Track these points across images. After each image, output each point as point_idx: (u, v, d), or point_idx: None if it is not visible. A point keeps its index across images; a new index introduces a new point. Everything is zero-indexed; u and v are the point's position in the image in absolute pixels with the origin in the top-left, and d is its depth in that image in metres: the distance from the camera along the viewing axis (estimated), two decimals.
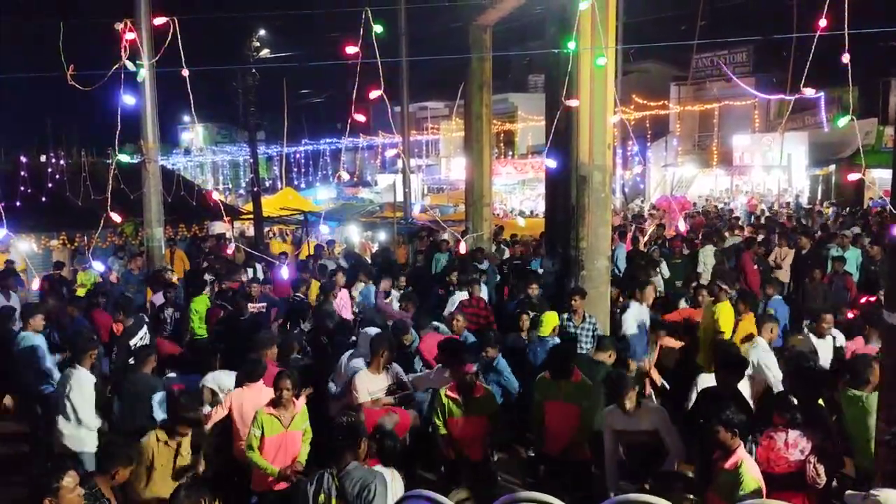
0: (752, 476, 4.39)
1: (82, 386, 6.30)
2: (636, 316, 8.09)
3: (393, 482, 5.09)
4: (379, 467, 5.16)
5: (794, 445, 4.78)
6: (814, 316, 7.65)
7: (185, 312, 9.54)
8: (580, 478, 5.80)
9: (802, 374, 5.68)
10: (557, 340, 7.60)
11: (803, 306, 10.23)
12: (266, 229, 21.60)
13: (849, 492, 3.81)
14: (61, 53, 4.87)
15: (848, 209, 22.49)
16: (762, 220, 19.62)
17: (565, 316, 7.93)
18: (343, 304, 9.85)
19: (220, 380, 6.50)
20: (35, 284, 7.75)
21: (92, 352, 6.53)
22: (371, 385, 6.28)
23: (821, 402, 5.58)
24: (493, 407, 6.02)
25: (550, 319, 7.80)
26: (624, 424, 5.36)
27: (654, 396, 7.13)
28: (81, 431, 6.28)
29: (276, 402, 5.45)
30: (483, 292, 10.06)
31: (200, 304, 9.51)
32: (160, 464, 5.14)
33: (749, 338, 7.31)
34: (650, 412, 5.31)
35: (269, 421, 5.40)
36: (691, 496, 4.75)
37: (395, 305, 9.62)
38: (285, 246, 19.37)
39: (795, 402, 5.08)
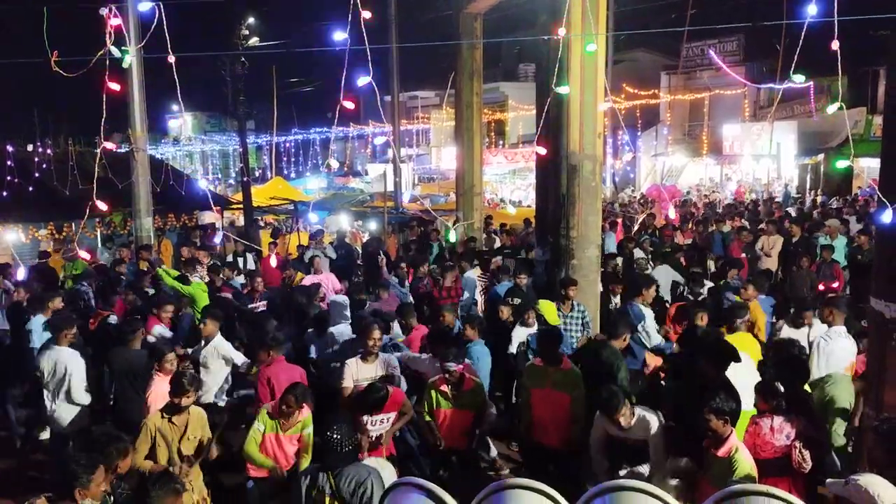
0: (746, 463, 4.43)
1: (67, 362, 6.40)
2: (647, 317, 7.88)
3: (384, 472, 5.11)
4: (371, 461, 5.20)
5: (779, 431, 4.82)
6: (796, 306, 7.67)
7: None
8: (568, 466, 5.82)
9: (787, 360, 5.71)
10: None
11: (790, 294, 10.30)
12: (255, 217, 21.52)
13: (829, 479, 3.85)
14: (45, 39, 4.81)
15: (842, 199, 22.61)
16: (756, 208, 19.74)
17: (554, 304, 7.94)
18: (329, 288, 9.92)
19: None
20: (21, 274, 7.70)
21: (68, 331, 6.58)
22: (358, 373, 6.29)
23: (806, 388, 5.63)
24: (482, 399, 6.04)
25: (548, 309, 7.75)
26: (618, 432, 5.30)
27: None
28: (71, 408, 6.38)
29: (278, 413, 5.50)
30: (473, 281, 10.10)
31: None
32: (163, 441, 5.18)
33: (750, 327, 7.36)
34: (644, 421, 5.18)
35: (270, 423, 5.50)
36: (677, 482, 4.81)
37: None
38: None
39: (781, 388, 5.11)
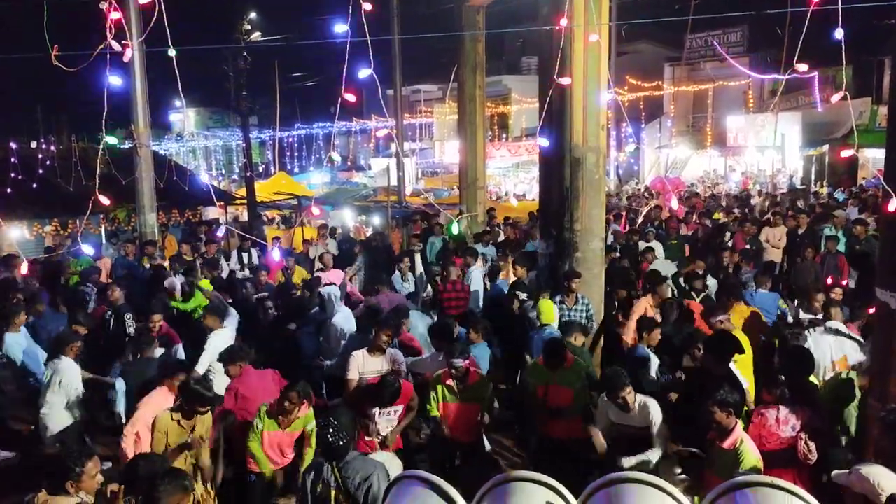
0: (752, 454, 4.43)
1: (67, 374, 6.45)
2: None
3: (390, 466, 5.12)
4: (378, 455, 5.21)
5: (785, 422, 4.81)
6: (804, 294, 7.64)
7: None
8: (578, 456, 5.83)
9: (792, 351, 5.70)
10: (555, 327, 7.56)
11: (795, 285, 10.27)
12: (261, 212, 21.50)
13: (835, 472, 3.89)
14: (45, 34, 4.79)
15: (846, 189, 22.48)
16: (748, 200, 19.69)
17: (558, 298, 7.92)
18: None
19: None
20: (24, 269, 7.70)
21: (74, 344, 6.65)
22: (364, 365, 6.31)
23: (812, 379, 5.60)
24: (487, 392, 6.06)
25: (548, 308, 7.70)
26: (620, 418, 5.36)
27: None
28: (63, 418, 6.44)
29: (278, 410, 5.47)
30: (478, 275, 10.08)
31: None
32: (173, 441, 5.24)
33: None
34: (646, 408, 5.25)
35: (268, 421, 5.50)
36: (684, 476, 4.80)
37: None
38: (279, 230, 19.33)
39: (785, 379, 5.09)
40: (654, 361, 6.73)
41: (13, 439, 7.74)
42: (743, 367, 6.00)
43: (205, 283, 9.70)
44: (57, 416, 6.47)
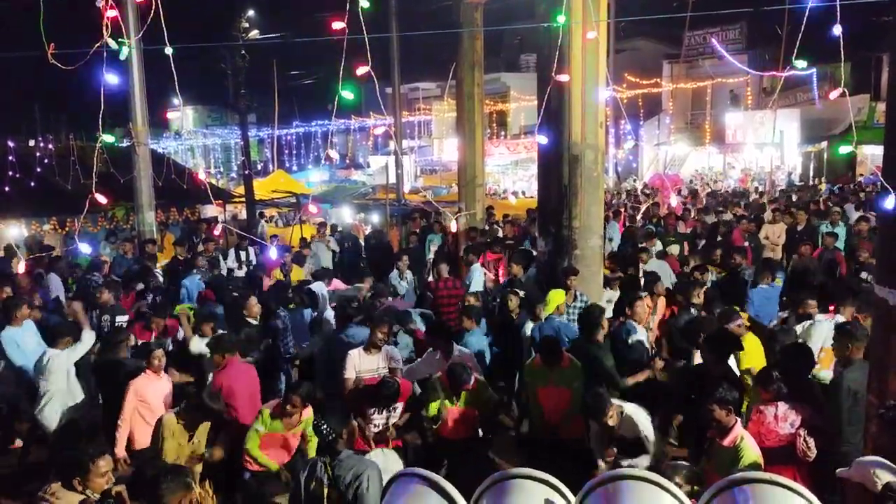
0: (752, 451, 4.44)
1: (60, 362, 6.55)
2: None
3: (387, 464, 5.12)
4: (376, 452, 5.20)
5: (783, 419, 4.81)
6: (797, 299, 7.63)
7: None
8: (575, 456, 5.82)
9: (790, 349, 5.70)
10: (564, 319, 7.57)
11: (793, 281, 10.26)
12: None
13: (839, 470, 3.92)
14: (42, 31, 4.78)
15: (845, 186, 22.51)
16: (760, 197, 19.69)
17: (563, 294, 7.90)
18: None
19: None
20: (21, 268, 7.69)
21: (68, 338, 6.73)
22: (361, 364, 6.30)
23: (812, 376, 5.61)
24: (487, 396, 6.04)
25: (556, 297, 7.70)
26: (609, 431, 5.33)
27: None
28: (64, 407, 6.52)
29: (281, 413, 5.43)
30: (479, 274, 10.07)
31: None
32: (177, 443, 5.26)
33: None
34: (630, 420, 5.16)
35: (270, 423, 5.46)
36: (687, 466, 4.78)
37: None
38: (277, 228, 19.35)
39: (782, 377, 5.08)
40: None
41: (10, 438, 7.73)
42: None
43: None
44: (51, 409, 6.52)
